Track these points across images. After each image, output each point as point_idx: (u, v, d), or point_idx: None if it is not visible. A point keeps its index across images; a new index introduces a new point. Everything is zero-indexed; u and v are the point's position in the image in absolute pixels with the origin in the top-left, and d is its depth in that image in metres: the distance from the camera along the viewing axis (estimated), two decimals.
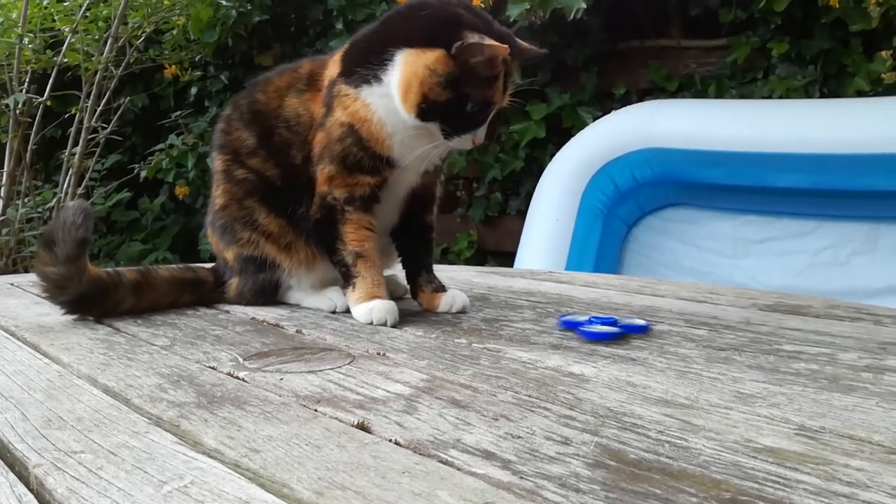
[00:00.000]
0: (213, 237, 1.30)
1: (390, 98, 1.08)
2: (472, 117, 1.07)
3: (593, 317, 1.08)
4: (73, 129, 3.24)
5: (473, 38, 1.02)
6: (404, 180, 1.19)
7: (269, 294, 1.26)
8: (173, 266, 1.32)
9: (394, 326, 1.10)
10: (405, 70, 1.06)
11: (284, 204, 1.21)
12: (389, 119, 1.10)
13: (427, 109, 1.06)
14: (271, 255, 1.22)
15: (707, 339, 1.02)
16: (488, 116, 1.09)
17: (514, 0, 2.92)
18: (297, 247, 1.22)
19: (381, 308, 1.12)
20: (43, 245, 1.10)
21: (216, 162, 1.28)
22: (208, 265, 1.36)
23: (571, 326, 1.06)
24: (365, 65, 1.10)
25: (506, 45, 1.02)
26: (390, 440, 0.62)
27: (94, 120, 3.22)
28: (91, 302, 1.13)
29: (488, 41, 1.01)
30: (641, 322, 1.05)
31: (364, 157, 1.13)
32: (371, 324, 1.11)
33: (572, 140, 2.93)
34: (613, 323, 1.04)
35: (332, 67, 1.18)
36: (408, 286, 1.27)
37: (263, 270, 1.23)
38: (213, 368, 0.86)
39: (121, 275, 1.18)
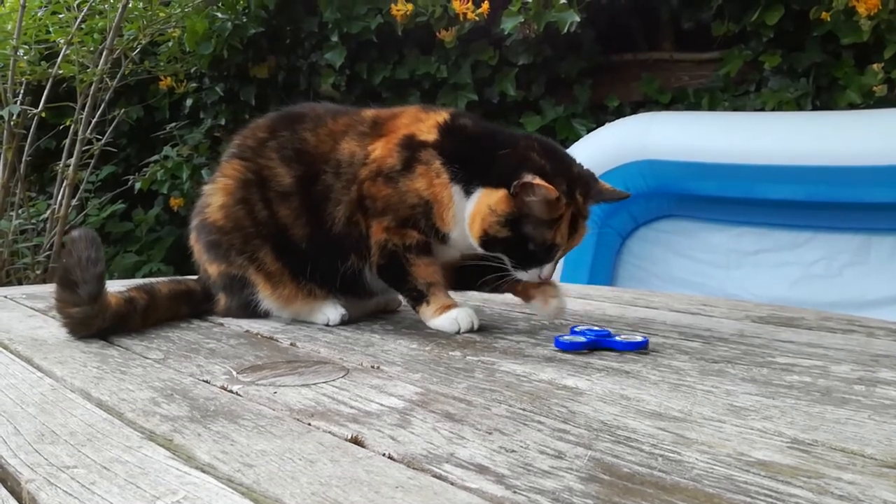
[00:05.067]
0: (196, 245, 1.30)
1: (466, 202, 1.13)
2: (534, 255, 1.11)
3: (587, 329, 1.09)
4: (67, 141, 3.23)
5: (527, 177, 1.05)
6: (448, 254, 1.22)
7: (255, 309, 1.26)
8: (166, 280, 1.33)
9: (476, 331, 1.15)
10: (476, 205, 1.11)
11: (303, 264, 1.21)
12: (459, 212, 1.13)
13: (488, 242, 1.11)
14: (256, 282, 1.23)
15: (700, 352, 1.02)
16: (553, 256, 1.13)
17: (508, 14, 2.94)
18: (284, 284, 1.23)
19: (465, 315, 1.15)
20: (63, 286, 1.09)
21: (230, 166, 1.25)
22: (195, 277, 1.36)
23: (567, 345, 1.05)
24: (469, 170, 1.13)
25: (553, 187, 1.05)
26: (384, 454, 0.62)
27: (88, 131, 3.21)
28: (109, 332, 1.13)
29: (538, 181, 1.05)
30: (639, 338, 1.04)
31: (426, 226, 1.16)
32: (458, 332, 1.14)
33: None
34: (607, 335, 1.04)
35: (420, 126, 1.18)
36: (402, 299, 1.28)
37: (247, 287, 1.24)
38: (206, 382, 0.86)
39: (134, 301, 1.17)
